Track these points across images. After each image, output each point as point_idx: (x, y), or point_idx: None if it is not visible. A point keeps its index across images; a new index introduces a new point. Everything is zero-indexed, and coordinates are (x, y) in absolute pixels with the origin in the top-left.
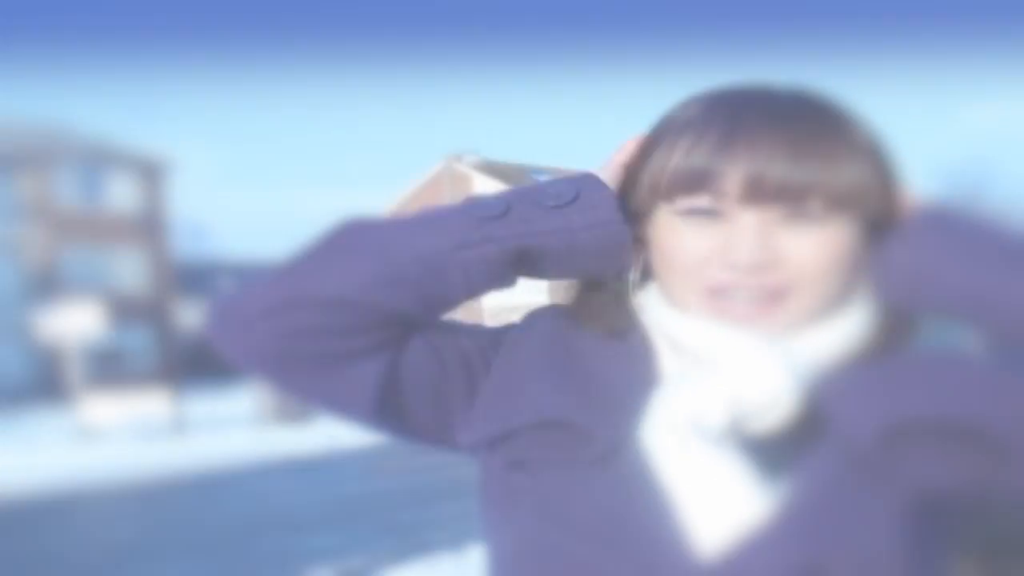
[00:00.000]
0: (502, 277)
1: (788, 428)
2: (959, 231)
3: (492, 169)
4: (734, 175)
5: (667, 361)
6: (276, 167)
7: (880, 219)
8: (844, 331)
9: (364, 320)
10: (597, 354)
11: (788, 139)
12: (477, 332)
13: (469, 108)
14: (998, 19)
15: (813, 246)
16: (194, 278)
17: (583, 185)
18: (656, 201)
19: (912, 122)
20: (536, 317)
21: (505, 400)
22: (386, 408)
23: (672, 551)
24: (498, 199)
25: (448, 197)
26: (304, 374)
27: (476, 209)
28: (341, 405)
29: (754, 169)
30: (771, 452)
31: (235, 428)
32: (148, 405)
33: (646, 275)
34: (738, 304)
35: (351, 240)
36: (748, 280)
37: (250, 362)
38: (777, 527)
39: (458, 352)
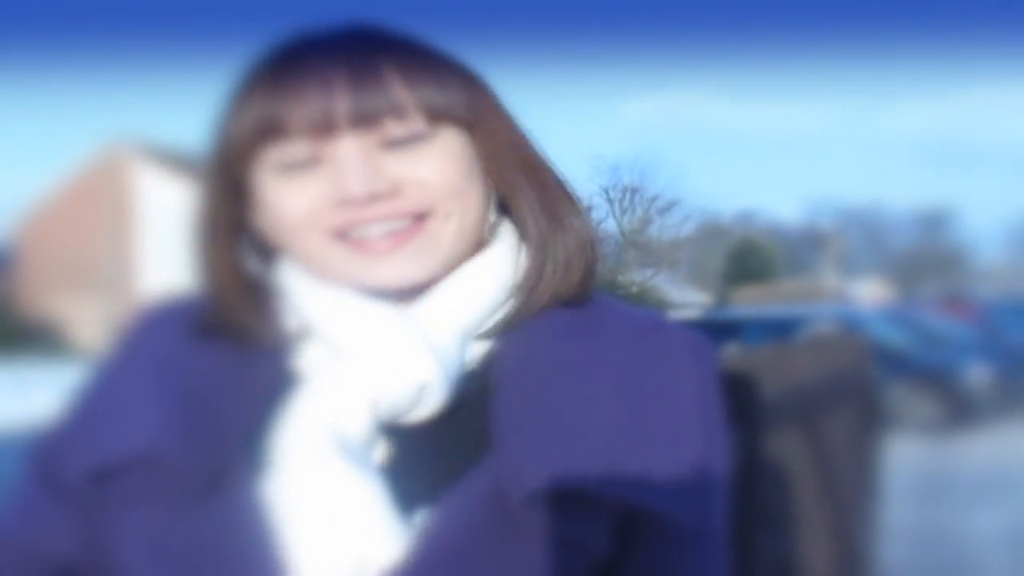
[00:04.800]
0: None
1: (434, 434)
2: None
3: (164, 158)
4: (303, 112)
5: (305, 357)
6: None
7: (483, 135)
8: (487, 281)
9: None
10: (214, 364)
11: (355, 57)
12: None
13: (140, 80)
14: (649, 17)
15: (431, 162)
16: None
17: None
18: (245, 164)
19: (575, 120)
20: (151, 320)
21: (104, 429)
22: None
23: None
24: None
25: (105, 195)
26: None
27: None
28: None
29: (322, 100)
30: (413, 468)
31: None
32: None
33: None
34: (374, 241)
35: None
36: (373, 212)
37: None
38: (408, 572)
39: None
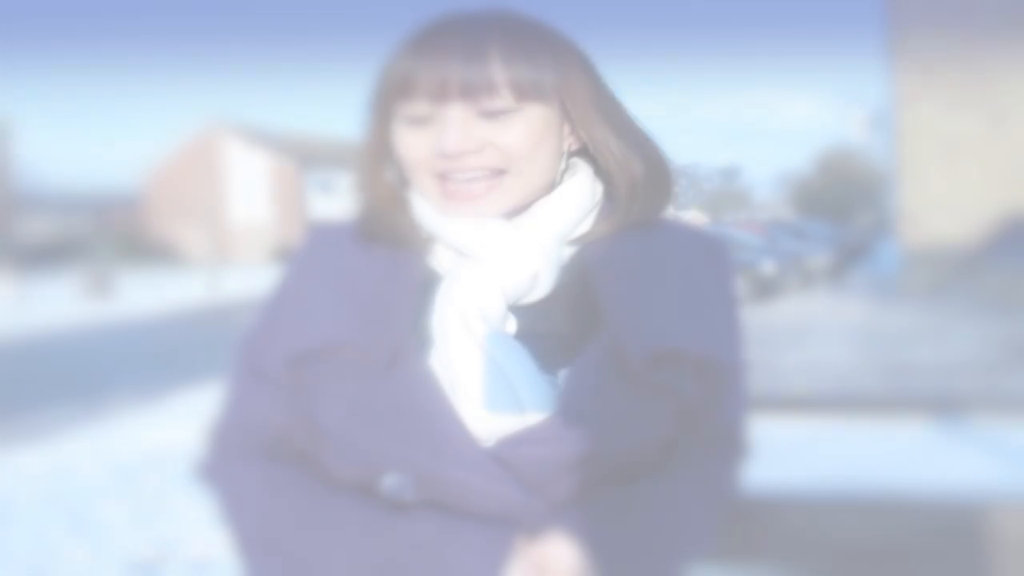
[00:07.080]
0: None
1: (545, 312)
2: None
3: (246, 133)
4: (428, 80)
5: (439, 260)
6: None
7: (569, 103)
8: (568, 205)
9: None
10: (377, 267)
11: (471, 42)
12: None
13: (235, 66)
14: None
15: (512, 132)
16: None
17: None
18: (388, 113)
19: None
20: (319, 237)
21: (297, 325)
22: None
23: (456, 441)
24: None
25: (206, 158)
26: None
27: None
28: None
29: (441, 73)
30: (548, 338)
31: (59, 303)
32: None
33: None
34: (461, 185)
35: None
36: (462, 165)
37: None
38: (553, 422)
39: None
